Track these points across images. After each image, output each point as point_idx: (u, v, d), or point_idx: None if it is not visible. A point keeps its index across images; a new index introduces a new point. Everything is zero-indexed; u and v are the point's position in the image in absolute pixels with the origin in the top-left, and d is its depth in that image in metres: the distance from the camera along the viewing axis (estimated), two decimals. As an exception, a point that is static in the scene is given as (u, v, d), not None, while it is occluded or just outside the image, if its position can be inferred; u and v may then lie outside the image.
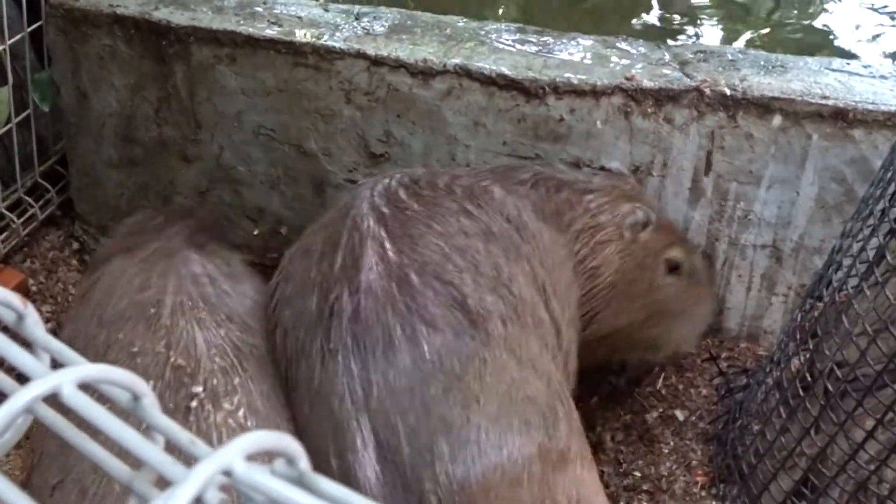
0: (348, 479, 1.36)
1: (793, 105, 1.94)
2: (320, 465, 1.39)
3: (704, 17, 3.01)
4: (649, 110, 1.99)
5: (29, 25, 2.30)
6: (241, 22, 2.13)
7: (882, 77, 2.02)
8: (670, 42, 2.69)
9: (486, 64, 2.01)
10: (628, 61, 2.05)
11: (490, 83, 2.01)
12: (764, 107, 1.95)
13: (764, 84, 1.97)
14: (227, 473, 0.38)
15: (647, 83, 1.98)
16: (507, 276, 1.58)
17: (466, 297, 1.49)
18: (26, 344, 0.46)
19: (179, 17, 2.15)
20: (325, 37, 2.09)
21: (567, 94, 1.99)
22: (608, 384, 2.16)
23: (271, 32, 2.10)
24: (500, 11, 3.01)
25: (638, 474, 1.98)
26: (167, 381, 1.38)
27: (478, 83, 2.01)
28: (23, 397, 0.39)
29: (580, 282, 1.81)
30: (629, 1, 3.11)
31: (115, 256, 1.72)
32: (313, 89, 2.11)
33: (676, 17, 2.98)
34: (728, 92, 1.96)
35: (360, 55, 2.05)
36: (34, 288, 2.34)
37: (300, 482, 0.40)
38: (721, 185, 2.05)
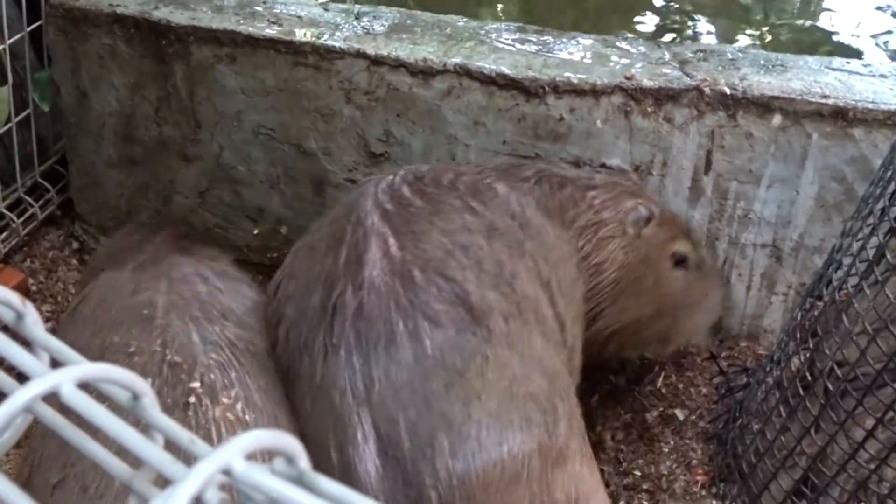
0: (349, 473, 1.36)
1: (793, 104, 1.94)
2: (321, 459, 1.40)
3: (704, 16, 3.01)
4: (649, 109, 1.99)
5: (29, 25, 2.30)
6: (241, 21, 2.13)
7: (882, 76, 2.02)
8: (670, 41, 2.69)
9: (486, 63, 2.01)
10: (628, 60, 2.05)
11: (490, 82, 2.01)
12: (764, 106, 1.95)
13: (764, 83, 1.97)
14: (227, 472, 0.38)
15: (646, 82, 1.98)
16: (510, 272, 1.58)
17: (469, 294, 1.49)
18: (26, 343, 0.46)
19: (179, 17, 2.15)
20: (325, 36, 2.09)
21: (567, 94, 1.99)
22: (608, 383, 2.16)
23: (271, 32, 2.10)
24: (500, 8, 3.01)
25: (638, 473, 1.98)
26: (164, 378, 1.39)
27: (478, 82, 2.01)
28: (22, 396, 0.39)
29: (584, 278, 1.81)
30: (629, 0, 3.11)
31: (103, 271, 1.73)
32: (313, 89, 2.11)
33: (676, 16, 2.98)
34: (728, 91, 1.96)
35: (360, 55, 2.05)
36: (34, 287, 2.35)
37: (300, 481, 0.40)
38: (721, 185, 2.05)
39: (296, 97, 2.13)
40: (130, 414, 0.43)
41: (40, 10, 2.29)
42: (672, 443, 2.04)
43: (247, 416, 1.37)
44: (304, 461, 0.40)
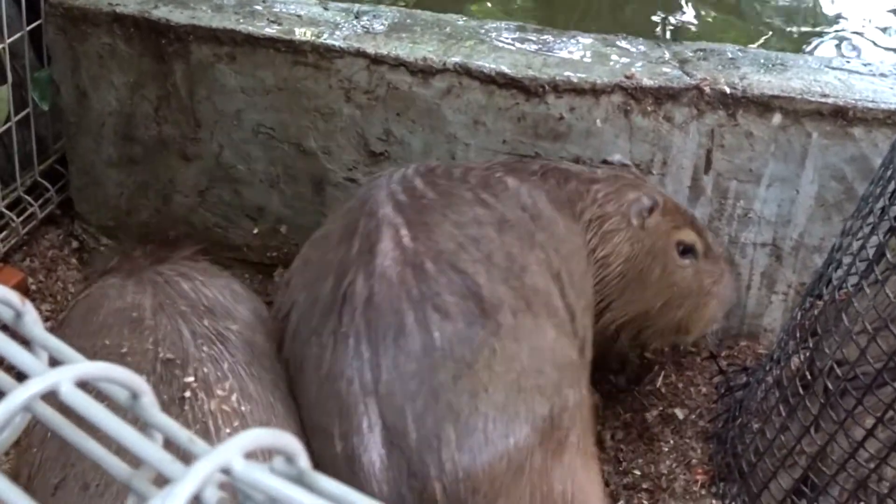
0: (352, 462, 1.37)
1: (792, 103, 1.94)
2: (325, 446, 1.40)
3: (704, 15, 3.00)
4: (649, 109, 1.99)
5: (28, 24, 2.29)
6: (241, 20, 2.13)
7: (882, 75, 2.02)
8: (670, 40, 2.69)
9: (485, 62, 2.01)
10: (628, 60, 2.05)
11: (490, 82, 2.01)
12: (764, 105, 1.95)
13: (764, 82, 1.97)
14: (226, 471, 0.38)
15: (646, 81, 1.98)
16: (520, 265, 1.59)
17: (480, 287, 1.50)
18: (25, 342, 0.46)
19: (179, 16, 2.15)
20: (325, 35, 2.09)
21: (567, 93, 1.99)
22: (608, 383, 2.16)
23: (271, 31, 2.10)
24: (504, 5, 3.01)
25: (638, 473, 1.98)
26: (159, 375, 1.40)
27: (477, 82, 2.01)
28: (21, 395, 0.39)
29: (592, 271, 1.82)
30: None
31: (89, 287, 1.76)
32: (313, 88, 2.11)
33: (676, 15, 2.98)
34: (728, 90, 1.96)
35: (360, 54, 2.05)
36: (33, 287, 2.35)
37: (299, 480, 0.40)
38: (721, 184, 2.05)
39: (295, 96, 2.12)
40: (129, 413, 0.43)
41: (40, 10, 2.28)
42: (672, 442, 2.04)
43: (242, 407, 1.38)
44: (303, 460, 0.40)
